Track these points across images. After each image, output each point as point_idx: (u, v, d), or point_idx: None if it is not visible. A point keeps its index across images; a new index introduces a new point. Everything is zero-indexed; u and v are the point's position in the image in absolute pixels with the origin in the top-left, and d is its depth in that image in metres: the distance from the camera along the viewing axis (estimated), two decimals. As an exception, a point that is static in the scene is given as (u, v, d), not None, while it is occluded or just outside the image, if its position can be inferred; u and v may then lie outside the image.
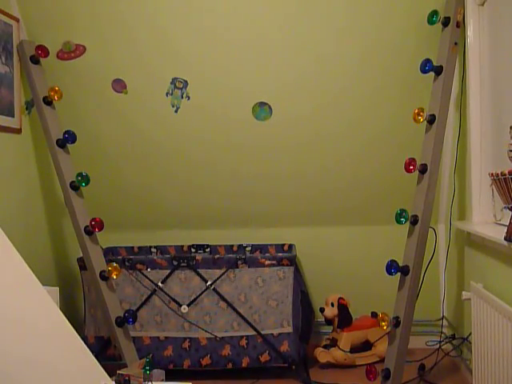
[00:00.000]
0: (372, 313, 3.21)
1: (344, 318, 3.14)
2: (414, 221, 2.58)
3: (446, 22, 2.67)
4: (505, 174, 2.00)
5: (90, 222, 2.77)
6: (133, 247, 3.45)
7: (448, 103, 2.70)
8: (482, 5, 2.66)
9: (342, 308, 3.15)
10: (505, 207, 2.10)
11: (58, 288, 2.54)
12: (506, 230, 2.05)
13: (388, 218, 2.78)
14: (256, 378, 2.95)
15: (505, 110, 2.51)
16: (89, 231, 2.76)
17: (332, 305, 3.16)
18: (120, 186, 3.32)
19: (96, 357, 1.95)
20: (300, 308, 3.00)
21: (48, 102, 2.87)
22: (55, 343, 1.84)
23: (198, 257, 2.95)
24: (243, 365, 2.91)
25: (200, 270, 2.95)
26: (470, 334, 2.49)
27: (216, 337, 2.93)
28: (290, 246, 3.34)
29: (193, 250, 3.44)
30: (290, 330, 2.93)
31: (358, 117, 3.03)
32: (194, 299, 2.94)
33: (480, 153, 2.69)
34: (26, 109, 3.00)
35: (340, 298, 3.16)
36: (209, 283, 2.93)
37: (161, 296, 2.96)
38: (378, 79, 2.91)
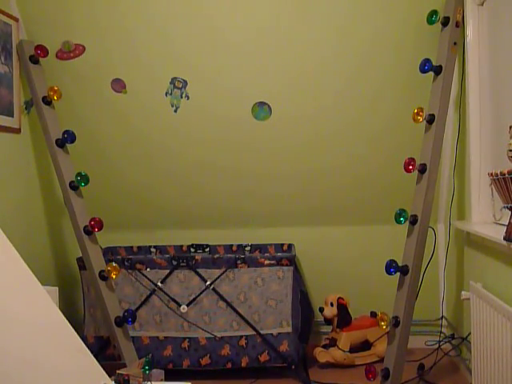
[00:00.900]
0: (371, 312, 3.22)
1: (343, 317, 3.14)
2: (414, 220, 2.58)
3: (445, 22, 2.67)
4: (504, 174, 2.00)
5: (90, 222, 2.77)
6: (132, 247, 3.45)
7: (447, 103, 2.70)
8: (482, 5, 2.66)
9: (342, 308, 3.15)
10: (504, 207, 2.10)
11: (57, 288, 2.54)
12: (505, 230, 2.05)
13: (387, 217, 2.78)
14: (255, 377, 2.95)
15: (504, 109, 2.51)
16: (88, 231, 2.76)
17: (331, 304, 3.16)
18: (119, 185, 3.32)
19: (95, 356, 1.94)
20: (299, 308, 3.00)
21: (47, 101, 2.87)
22: (55, 343, 1.84)
23: (198, 257, 2.95)
24: (242, 365, 2.91)
25: (199, 270, 2.95)
26: (470, 333, 2.49)
27: (215, 336, 2.93)
28: (290, 246, 3.34)
29: (192, 249, 3.44)
30: (289, 329, 2.93)
31: (357, 116, 3.03)
32: (194, 299, 2.94)
33: (479, 152, 2.70)
34: (26, 108, 2.99)
35: (339, 298, 3.16)
36: (208, 283, 2.93)
37: (160, 296, 2.96)
38: (377, 79, 2.91)
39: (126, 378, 1.87)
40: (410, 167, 2.64)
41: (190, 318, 2.95)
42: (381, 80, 2.92)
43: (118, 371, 1.92)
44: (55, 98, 2.88)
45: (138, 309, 2.95)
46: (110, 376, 1.90)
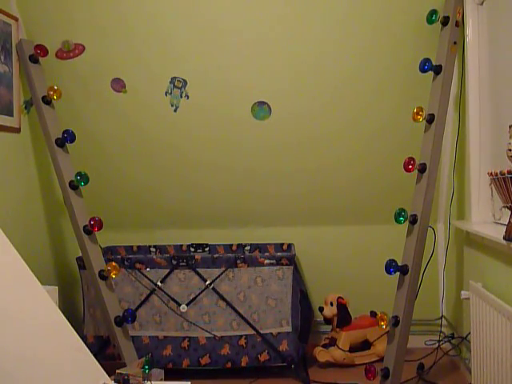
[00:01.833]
0: (371, 312, 3.22)
1: (343, 317, 3.14)
2: (413, 220, 2.58)
3: (445, 22, 2.67)
4: (504, 174, 2.00)
5: (89, 222, 2.77)
6: (132, 246, 3.45)
7: (447, 102, 2.70)
8: (481, 4, 2.66)
9: (341, 307, 3.15)
10: (504, 206, 2.10)
11: (57, 287, 2.54)
12: (505, 230, 2.06)
13: (387, 217, 2.78)
14: (255, 377, 2.95)
15: (504, 109, 2.51)
16: (88, 230, 2.76)
17: (331, 304, 3.16)
18: (119, 185, 3.32)
19: (95, 356, 1.94)
20: (299, 307, 3.00)
21: (47, 101, 2.87)
22: (54, 342, 1.84)
23: (197, 256, 2.95)
24: (242, 364, 2.92)
25: (199, 270, 2.95)
26: (469, 333, 2.49)
27: (215, 336, 2.93)
28: (289, 246, 3.34)
29: (192, 249, 3.44)
30: (289, 329, 2.93)
31: (357, 116, 3.03)
32: (193, 298, 2.94)
33: (479, 152, 2.70)
34: (25, 108, 2.99)
35: (339, 298, 3.16)
36: (208, 282, 2.93)
37: (160, 295, 2.96)
38: (377, 78, 2.91)
39: (126, 377, 1.87)
40: (410, 167, 2.63)
41: (189, 317, 2.95)
42: (380, 80, 2.92)
43: (117, 371, 1.92)
44: (55, 97, 2.88)
45: (137, 308, 2.96)
46: (109, 375, 1.90)
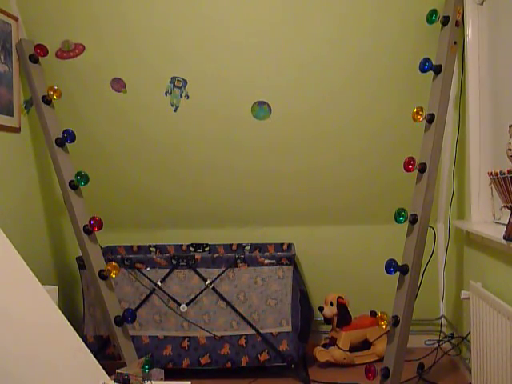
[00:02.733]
0: (371, 312, 3.22)
1: (343, 317, 3.14)
2: (413, 220, 2.58)
3: (445, 21, 2.67)
4: (504, 173, 2.00)
5: (89, 221, 2.77)
6: (132, 246, 3.45)
7: (447, 102, 2.70)
8: (482, 4, 2.66)
9: (341, 307, 3.15)
10: (504, 206, 2.10)
11: (57, 287, 2.55)
12: (505, 229, 2.06)
13: (387, 216, 2.78)
14: (255, 377, 2.95)
15: (504, 109, 2.51)
16: (88, 230, 2.76)
17: (331, 304, 3.16)
18: (119, 185, 3.32)
19: (95, 356, 1.94)
20: (299, 307, 3.00)
21: (47, 101, 2.87)
22: (54, 342, 1.84)
23: (197, 256, 2.95)
24: (242, 364, 2.92)
25: (199, 269, 2.95)
26: (469, 333, 2.49)
27: (215, 336, 2.93)
28: (289, 245, 3.34)
29: (192, 249, 3.44)
30: (289, 329, 2.93)
31: (356, 116, 3.02)
32: (193, 298, 2.94)
33: (479, 152, 2.70)
34: (25, 108, 2.99)
35: (339, 297, 3.16)
36: (208, 282, 2.93)
37: (160, 295, 2.96)
38: (377, 78, 2.91)
39: (126, 377, 1.88)
40: (410, 166, 2.63)
41: (189, 317, 2.95)
42: (380, 79, 2.92)
43: (117, 370, 1.93)
44: (55, 97, 2.88)
45: (137, 308, 2.96)
46: (109, 375, 1.91)
